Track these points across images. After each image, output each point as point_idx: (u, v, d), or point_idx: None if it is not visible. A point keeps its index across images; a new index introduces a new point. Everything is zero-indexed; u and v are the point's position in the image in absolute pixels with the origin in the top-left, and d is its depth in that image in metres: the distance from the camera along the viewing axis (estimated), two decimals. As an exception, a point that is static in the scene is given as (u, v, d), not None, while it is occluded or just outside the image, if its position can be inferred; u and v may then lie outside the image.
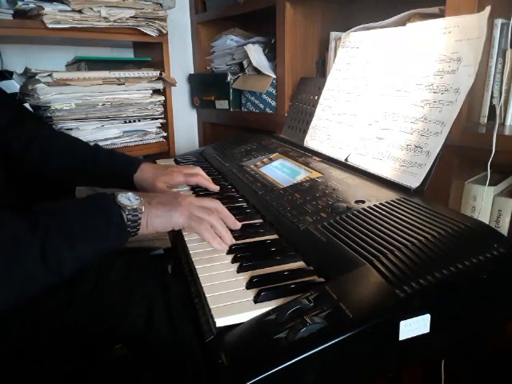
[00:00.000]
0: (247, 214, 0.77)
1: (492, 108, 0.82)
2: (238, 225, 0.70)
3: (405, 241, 0.54)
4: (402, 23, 0.89)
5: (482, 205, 0.82)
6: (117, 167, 0.90)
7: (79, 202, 0.57)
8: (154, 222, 0.60)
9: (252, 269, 0.57)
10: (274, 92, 1.32)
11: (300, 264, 0.59)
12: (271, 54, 1.38)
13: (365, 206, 0.67)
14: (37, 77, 1.20)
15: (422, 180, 0.71)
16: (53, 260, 0.49)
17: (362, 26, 1.00)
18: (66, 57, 1.47)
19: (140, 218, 0.57)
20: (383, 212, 0.64)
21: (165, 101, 1.50)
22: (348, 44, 1.03)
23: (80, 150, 0.92)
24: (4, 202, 0.76)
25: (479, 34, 0.70)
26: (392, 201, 0.67)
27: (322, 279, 0.54)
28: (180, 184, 0.91)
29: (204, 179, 0.90)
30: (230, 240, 0.66)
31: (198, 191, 0.90)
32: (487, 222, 0.82)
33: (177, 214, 0.61)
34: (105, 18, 1.24)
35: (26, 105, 1.20)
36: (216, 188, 0.90)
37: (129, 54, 1.65)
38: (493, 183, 0.81)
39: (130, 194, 0.59)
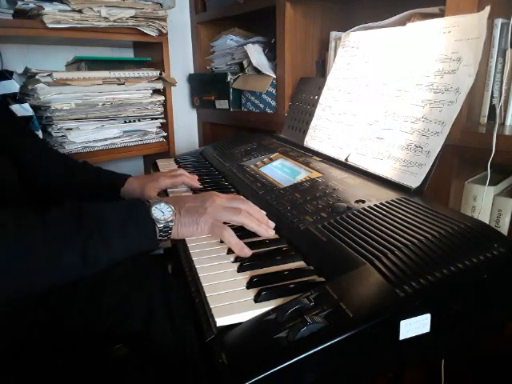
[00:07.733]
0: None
1: (492, 108, 0.82)
2: (271, 224, 0.68)
3: (405, 240, 0.54)
4: (402, 23, 0.89)
5: (481, 205, 0.82)
6: (104, 182, 0.91)
7: (118, 207, 0.61)
8: (182, 230, 0.63)
9: (252, 268, 0.57)
10: (273, 92, 1.32)
11: (300, 264, 0.59)
12: (271, 53, 1.38)
13: (365, 205, 0.67)
14: (37, 77, 1.20)
15: (422, 180, 0.71)
16: (91, 258, 0.55)
17: (361, 25, 1.00)
18: (65, 57, 1.46)
19: (171, 229, 0.61)
20: (383, 212, 0.64)
21: (165, 101, 1.50)
22: (348, 44, 1.03)
23: (68, 165, 0.93)
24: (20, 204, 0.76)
25: (479, 33, 0.70)
26: (392, 200, 0.67)
27: (322, 279, 0.53)
28: (168, 187, 0.92)
29: (188, 178, 0.94)
30: (268, 224, 0.67)
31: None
32: (487, 222, 0.82)
33: (201, 222, 0.64)
34: (105, 17, 1.24)
35: (26, 105, 1.20)
36: (198, 185, 0.94)
37: (129, 54, 1.65)
38: (493, 183, 0.81)
39: (163, 204, 0.61)
